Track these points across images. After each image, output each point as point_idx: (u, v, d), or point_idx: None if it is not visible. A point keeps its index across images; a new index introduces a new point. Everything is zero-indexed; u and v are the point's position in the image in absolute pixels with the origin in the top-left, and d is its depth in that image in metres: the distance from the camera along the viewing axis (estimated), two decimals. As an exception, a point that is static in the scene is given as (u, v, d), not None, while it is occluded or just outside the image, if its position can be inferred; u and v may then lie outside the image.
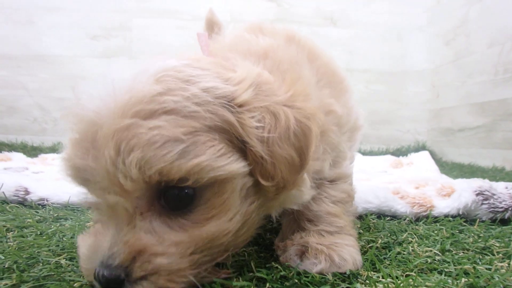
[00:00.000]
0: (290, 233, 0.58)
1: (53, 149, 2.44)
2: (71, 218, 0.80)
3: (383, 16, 2.77)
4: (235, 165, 0.41)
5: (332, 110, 0.58)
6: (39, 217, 0.79)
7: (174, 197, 0.40)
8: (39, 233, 0.67)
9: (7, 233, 0.66)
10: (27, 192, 0.94)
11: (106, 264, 0.37)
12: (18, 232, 0.67)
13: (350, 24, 2.77)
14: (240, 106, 0.42)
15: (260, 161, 0.42)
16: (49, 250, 0.57)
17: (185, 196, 0.40)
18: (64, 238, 0.63)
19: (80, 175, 0.40)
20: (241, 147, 0.42)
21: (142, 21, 2.66)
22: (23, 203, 0.93)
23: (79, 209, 0.90)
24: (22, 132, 2.63)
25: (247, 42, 0.58)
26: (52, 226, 0.71)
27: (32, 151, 2.35)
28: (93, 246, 0.40)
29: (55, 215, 0.82)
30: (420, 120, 2.77)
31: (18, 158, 1.67)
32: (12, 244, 0.59)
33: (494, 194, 0.82)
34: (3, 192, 0.92)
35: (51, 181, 1.07)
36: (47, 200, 0.92)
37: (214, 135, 0.40)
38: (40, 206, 0.91)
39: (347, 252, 0.53)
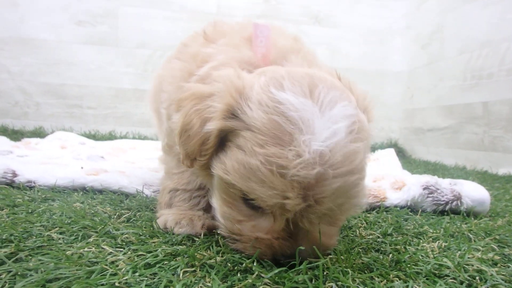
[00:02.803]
0: None
1: (35, 133, 2.44)
2: (59, 199, 0.87)
3: (365, 18, 2.88)
4: None
5: None
6: (28, 197, 0.85)
7: None
8: (30, 211, 0.74)
9: (0, 211, 0.72)
10: (14, 174, 1.00)
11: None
12: (10, 210, 0.74)
13: (334, 24, 2.87)
14: None
15: None
16: (41, 225, 0.65)
17: None
18: (54, 216, 0.70)
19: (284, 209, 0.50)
20: None
21: (130, 10, 2.66)
22: (11, 184, 0.98)
23: (65, 191, 0.96)
24: (3, 116, 2.60)
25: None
26: (41, 206, 0.78)
27: (13, 134, 2.35)
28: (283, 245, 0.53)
29: (43, 196, 0.88)
30: (394, 119, 2.93)
31: (2, 141, 1.69)
32: (6, 219, 0.66)
33: (438, 189, 0.94)
34: (-9, 174, 0.97)
35: (38, 165, 1.12)
36: (34, 183, 0.98)
37: None
38: (28, 187, 0.97)
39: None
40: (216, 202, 0.60)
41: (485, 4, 2.06)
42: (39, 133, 2.45)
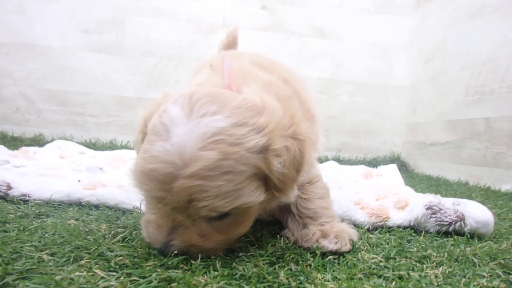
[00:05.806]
0: (298, 229, 0.78)
1: (35, 141, 2.43)
2: (53, 215, 0.84)
3: (369, 32, 2.90)
4: (261, 197, 0.60)
5: (310, 137, 0.76)
6: (21, 213, 0.83)
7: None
8: (21, 228, 0.72)
9: (-9, 228, 0.70)
10: (9, 187, 0.98)
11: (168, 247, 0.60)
12: (0, 227, 0.72)
13: (338, 38, 2.89)
14: (270, 150, 0.59)
15: (275, 184, 0.62)
16: (32, 245, 0.62)
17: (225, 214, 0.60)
18: (46, 235, 0.68)
19: (157, 200, 0.58)
20: (264, 176, 0.61)
21: (136, 19, 2.68)
22: (4, 198, 0.96)
23: (60, 206, 0.94)
24: (3, 121, 2.60)
25: (255, 73, 0.81)
26: (34, 222, 0.76)
27: (12, 141, 2.34)
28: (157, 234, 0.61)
29: (37, 211, 0.86)
30: (397, 132, 2.91)
31: (-1, 150, 1.67)
32: (-4, 238, 0.64)
33: (441, 209, 0.92)
34: (-14, 186, 0.95)
35: (34, 176, 1.10)
36: (29, 196, 0.96)
37: (251, 179, 0.58)
38: (22, 201, 0.95)
39: (350, 230, 0.76)
40: None
41: (487, 22, 2.06)
42: (38, 141, 2.44)
